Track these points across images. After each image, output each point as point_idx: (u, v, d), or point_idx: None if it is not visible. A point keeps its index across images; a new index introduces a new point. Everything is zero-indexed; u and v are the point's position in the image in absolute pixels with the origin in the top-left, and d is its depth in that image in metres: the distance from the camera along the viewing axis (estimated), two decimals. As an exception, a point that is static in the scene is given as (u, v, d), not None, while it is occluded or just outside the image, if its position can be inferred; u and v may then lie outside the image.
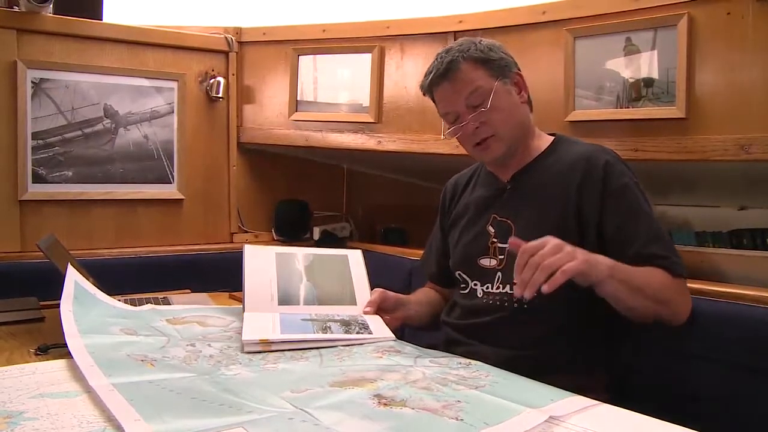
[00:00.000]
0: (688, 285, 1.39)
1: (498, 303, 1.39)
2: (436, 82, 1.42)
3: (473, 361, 1.17)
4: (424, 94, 1.50)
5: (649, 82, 1.75)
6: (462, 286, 1.49)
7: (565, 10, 1.91)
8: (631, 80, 1.78)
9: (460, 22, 2.15)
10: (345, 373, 1.07)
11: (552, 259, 1.11)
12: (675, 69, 1.68)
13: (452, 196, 1.63)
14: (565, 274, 1.10)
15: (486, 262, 1.43)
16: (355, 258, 1.62)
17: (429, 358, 1.18)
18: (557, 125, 1.91)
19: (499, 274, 1.40)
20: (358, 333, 1.31)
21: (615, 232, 1.31)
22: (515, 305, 1.36)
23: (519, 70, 1.46)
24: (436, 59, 1.43)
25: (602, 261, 1.20)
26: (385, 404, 0.92)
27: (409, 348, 1.27)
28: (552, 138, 1.49)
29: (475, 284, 1.45)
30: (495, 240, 1.42)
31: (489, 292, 1.41)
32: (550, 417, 0.87)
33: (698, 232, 1.97)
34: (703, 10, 1.64)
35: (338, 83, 2.52)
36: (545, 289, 1.10)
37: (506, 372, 1.11)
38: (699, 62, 1.66)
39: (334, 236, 2.74)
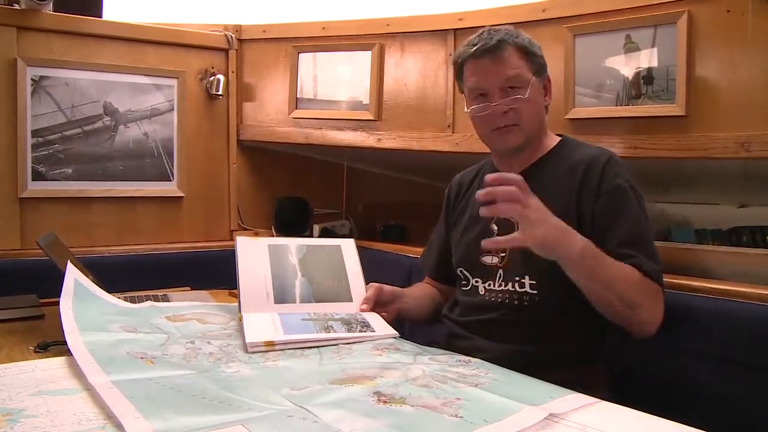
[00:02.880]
0: (689, 282, 1.39)
1: (500, 300, 1.39)
2: (479, 54, 1.40)
3: (473, 359, 1.17)
4: (454, 63, 1.49)
5: (649, 80, 1.74)
6: (463, 283, 1.49)
7: (565, 8, 1.91)
8: (631, 78, 1.78)
9: (461, 19, 2.15)
10: (345, 371, 1.07)
11: (523, 210, 1.16)
12: (675, 66, 1.68)
13: (457, 194, 1.63)
14: (511, 241, 1.18)
15: (488, 259, 1.43)
16: (348, 248, 1.60)
17: (429, 356, 1.18)
18: (557, 123, 1.91)
19: (501, 272, 1.40)
20: (360, 331, 1.31)
21: (599, 229, 1.31)
22: (516, 302, 1.36)
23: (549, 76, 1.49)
24: (482, 34, 1.42)
25: (576, 241, 1.20)
26: (384, 401, 0.92)
27: (408, 345, 1.27)
28: (558, 138, 1.50)
29: (477, 281, 1.45)
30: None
31: (491, 289, 1.41)
32: (550, 414, 0.87)
33: (698, 230, 1.97)
34: (703, 8, 1.64)
35: (338, 81, 2.52)
36: (486, 244, 1.21)
37: (506, 369, 1.11)
38: (699, 60, 1.66)
39: (334, 234, 2.74)
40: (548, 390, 0.98)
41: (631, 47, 1.77)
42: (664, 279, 1.31)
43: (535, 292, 1.35)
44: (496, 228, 1.43)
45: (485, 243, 1.21)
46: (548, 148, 1.47)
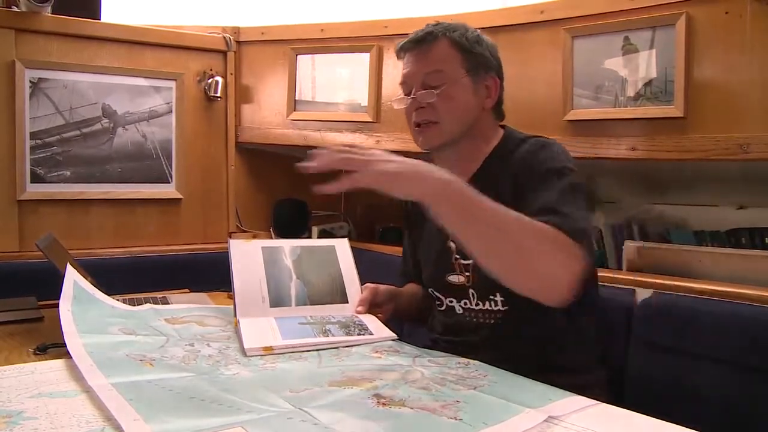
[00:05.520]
0: (688, 284, 1.38)
1: (482, 320, 1.34)
2: (407, 46, 1.36)
3: (472, 361, 1.17)
4: (398, 57, 1.41)
5: (647, 82, 1.75)
6: (437, 303, 1.44)
7: (563, 10, 1.91)
8: (629, 80, 1.78)
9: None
10: (344, 373, 1.07)
11: (358, 157, 1.03)
12: (673, 68, 1.68)
13: (413, 203, 1.54)
14: (351, 181, 1.02)
15: (455, 279, 1.37)
16: (342, 248, 1.60)
17: (428, 358, 1.18)
18: (556, 125, 1.91)
19: (472, 291, 1.34)
20: (358, 334, 1.31)
21: (519, 197, 1.19)
22: (492, 321, 1.31)
23: (499, 77, 1.39)
24: (425, 26, 1.37)
25: (440, 176, 1.05)
26: (383, 404, 0.92)
27: (407, 348, 1.27)
28: (501, 136, 1.39)
29: (451, 301, 1.39)
30: (458, 256, 1.36)
31: (469, 308, 1.35)
32: (549, 417, 0.87)
33: (697, 232, 1.97)
34: (701, 10, 1.64)
35: (336, 83, 2.52)
36: (324, 188, 1.03)
37: (505, 372, 1.10)
38: (697, 61, 1.66)
39: (333, 236, 2.74)
40: (547, 392, 0.98)
41: (629, 49, 1.78)
42: (592, 243, 1.21)
43: (507, 308, 1.30)
44: (453, 246, 1.36)
45: (318, 189, 1.05)
46: (487, 152, 1.37)
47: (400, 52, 1.39)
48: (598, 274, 1.43)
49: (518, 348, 1.26)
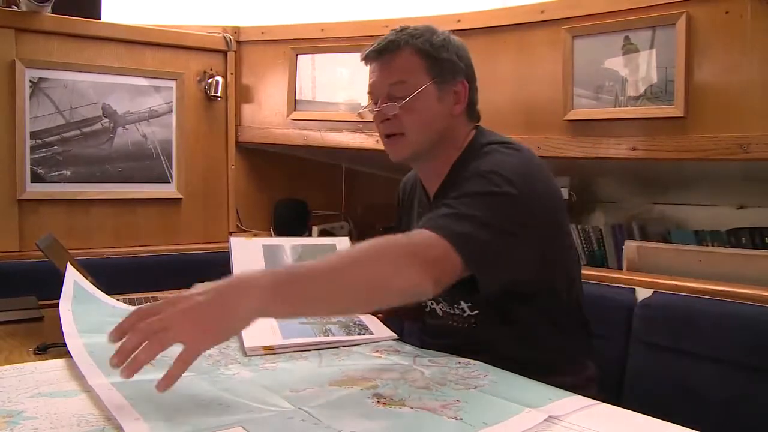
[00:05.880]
0: (688, 284, 1.37)
1: (457, 324, 1.32)
2: (370, 56, 1.30)
3: (472, 361, 1.17)
4: (364, 64, 1.35)
5: (647, 81, 1.75)
6: (423, 304, 1.41)
7: (564, 9, 1.91)
8: (629, 79, 1.78)
9: (459, 21, 2.15)
10: (344, 373, 1.07)
11: (158, 323, 0.86)
12: (673, 68, 1.69)
13: (402, 199, 1.56)
14: (182, 361, 0.85)
15: None
16: (343, 247, 1.60)
17: (428, 358, 1.18)
18: (556, 125, 1.92)
19: (440, 296, 1.30)
20: (359, 334, 1.31)
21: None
22: (466, 326, 1.29)
23: (469, 81, 1.32)
24: (389, 33, 1.30)
25: (254, 279, 0.93)
26: (384, 403, 0.92)
27: (408, 347, 1.27)
28: (468, 142, 1.33)
29: (432, 303, 1.38)
30: None
31: (448, 312, 1.34)
32: (549, 416, 0.87)
33: (697, 231, 1.97)
34: (701, 9, 1.64)
35: (337, 82, 2.52)
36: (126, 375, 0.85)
37: (505, 371, 1.10)
38: (697, 61, 1.66)
39: (333, 235, 2.74)
40: (548, 392, 0.98)
41: (629, 49, 1.78)
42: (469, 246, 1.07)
43: (475, 312, 1.28)
44: None
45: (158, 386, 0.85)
46: (455, 157, 1.31)
47: (365, 61, 1.33)
48: (599, 274, 1.42)
49: (497, 351, 1.20)
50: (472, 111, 1.35)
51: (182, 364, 0.85)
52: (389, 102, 1.27)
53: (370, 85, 1.33)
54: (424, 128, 1.28)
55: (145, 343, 0.85)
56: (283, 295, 0.93)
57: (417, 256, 1.02)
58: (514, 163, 1.19)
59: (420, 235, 1.06)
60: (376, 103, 1.32)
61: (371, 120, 1.35)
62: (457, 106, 1.30)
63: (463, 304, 1.29)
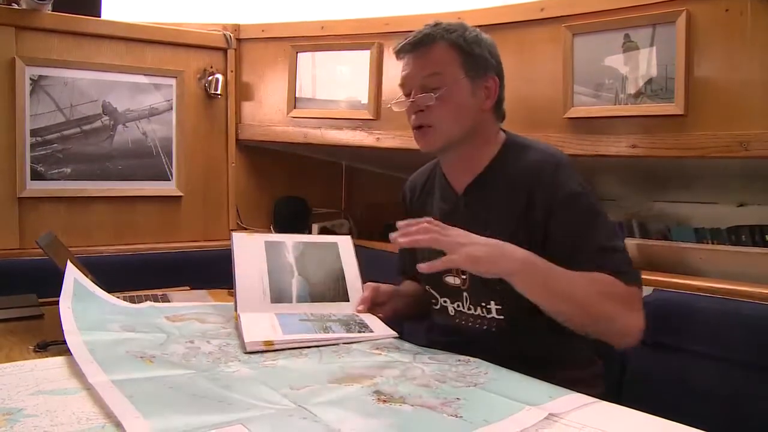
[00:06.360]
0: (688, 282, 1.38)
1: (470, 324, 1.34)
2: (405, 49, 1.34)
3: (472, 358, 1.17)
4: (396, 58, 1.39)
5: (647, 79, 1.74)
6: (433, 301, 1.44)
7: (564, 7, 1.91)
8: (629, 77, 1.78)
9: (459, 18, 2.14)
10: (344, 370, 1.07)
11: (441, 237, 1.15)
12: (674, 65, 1.68)
13: (411, 199, 1.57)
14: (444, 263, 1.14)
15: (451, 279, 1.36)
16: (345, 245, 1.59)
17: (428, 355, 1.18)
18: (556, 122, 1.92)
19: (466, 294, 1.34)
20: (359, 332, 1.31)
21: (562, 248, 1.21)
22: (485, 328, 1.32)
23: (499, 78, 1.36)
24: (423, 27, 1.35)
25: (515, 254, 1.14)
26: (384, 401, 0.92)
27: (408, 345, 1.27)
28: (503, 140, 1.38)
29: (445, 301, 1.40)
30: None
31: (460, 311, 1.36)
32: (550, 414, 0.87)
33: (697, 229, 1.97)
34: (701, 7, 1.64)
35: (337, 80, 2.52)
36: (423, 267, 1.16)
37: (505, 369, 1.10)
38: (697, 59, 1.66)
39: (333, 233, 2.74)
40: (548, 389, 0.98)
41: (629, 46, 1.78)
42: (641, 277, 1.24)
43: (502, 317, 1.30)
44: None
45: (420, 267, 1.18)
46: (491, 156, 1.36)
47: (398, 54, 1.38)
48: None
49: (515, 341, 1.26)
50: (499, 108, 1.39)
51: (441, 264, 1.14)
52: (423, 93, 1.31)
53: (403, 77, 1.37)
54: (456, 120, 1.32)
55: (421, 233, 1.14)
56: (533, 266, 1.14)
57: (631, 299, 1.19)
58: (578, 176, 1.29)
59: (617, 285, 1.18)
60: (408, 95, 1.35)
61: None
62: (487, 101, 1.34)
63: (492, 305, 1.30)
